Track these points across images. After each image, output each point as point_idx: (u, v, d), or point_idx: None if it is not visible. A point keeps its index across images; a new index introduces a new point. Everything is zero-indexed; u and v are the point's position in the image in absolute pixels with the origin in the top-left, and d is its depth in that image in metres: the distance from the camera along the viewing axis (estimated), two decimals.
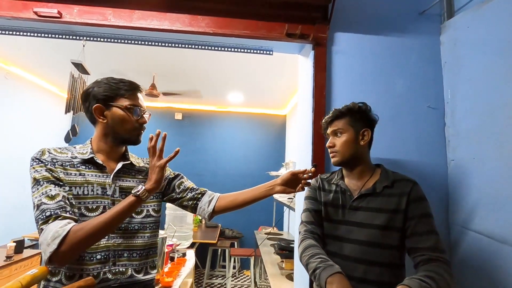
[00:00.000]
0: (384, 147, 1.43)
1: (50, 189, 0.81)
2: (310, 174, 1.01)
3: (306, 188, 1.12)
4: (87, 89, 0.95)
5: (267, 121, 5.10)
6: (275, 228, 4.33)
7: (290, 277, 2.05)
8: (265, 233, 3.64)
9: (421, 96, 1.51)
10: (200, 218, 0.99)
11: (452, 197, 1.40)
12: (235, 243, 4.30)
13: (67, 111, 1.70)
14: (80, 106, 1.75)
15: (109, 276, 0.86)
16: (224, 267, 4.37)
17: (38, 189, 0.81)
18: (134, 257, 0.92)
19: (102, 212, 0.87)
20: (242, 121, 5.10)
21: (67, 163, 0.88)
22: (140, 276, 0.93)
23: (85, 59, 1.92)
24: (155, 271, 1.00)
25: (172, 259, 1.93)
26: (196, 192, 1.09)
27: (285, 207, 4.50)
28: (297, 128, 1.79)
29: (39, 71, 3.60)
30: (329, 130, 1.08)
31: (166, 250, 1.73)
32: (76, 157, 0.91)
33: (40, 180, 0.82)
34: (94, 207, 0.87)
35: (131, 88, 0.95)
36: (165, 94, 3.77)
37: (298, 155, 1.64)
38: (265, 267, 2.33)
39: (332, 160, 1.07)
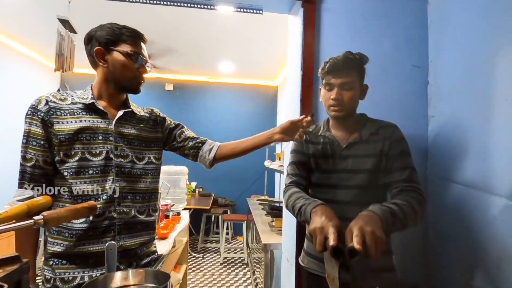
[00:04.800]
0: (368, 104, 1.48)
1: (30, 151, 0.88)
2: (308, 121, 1.03)
3: (291, 142, 1.17)
4: (90, 32, 0.96)
5: (258, 92, 5.09)
6: (266, 196, 4.48)
7: (279, 233, 2.18)
8: (257, 200, 3.78)
9: (406, 55, 1.55)
10: (201, 165, 1.06)
11: (431, 151, 1.49)
12: (228, 210, 4.46)
13: (56, 69, 1.69)
14: (69, 64, 1.74)
15: (114, 215, 0.92)
16: (217, 233, 4.55)
17: (23, 142, 0.89)
18: (137, 199, 0.98)
19: (105, 157, 0.92)
20: (234, 93, 5.08)
21: (67, 111, 0.91)
22: (143, 217, 0.99)
23: (71, 19, 1.87)
24: (156, 213, 1.08)
25: (167, 216, 2.02)
26: (197, 141, 1.14)
27: (276, 175, 4.63)
28: (287, 87, 1.82)
29: (24, 39, 3.48)
30: (335, 81, 1.00)
31: (161, 208, 1.81)
32: (76, 103, 0.94)
33: (26, 135, 0.89)
34: (98, 152, 0.92)
35: (134, 35, 0.96)
36: (155, 67, 3.70)
37: (288, 112, 1.69)
38: (257, 228, 2.46)
39: (334, 113, 1.03)
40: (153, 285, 0.64)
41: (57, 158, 0.89)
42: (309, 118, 1.02)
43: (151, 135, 1.06)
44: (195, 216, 4.12)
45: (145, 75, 1.02)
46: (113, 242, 0.71)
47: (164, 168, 2.73)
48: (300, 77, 1.44)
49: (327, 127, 1.12)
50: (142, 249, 1.00)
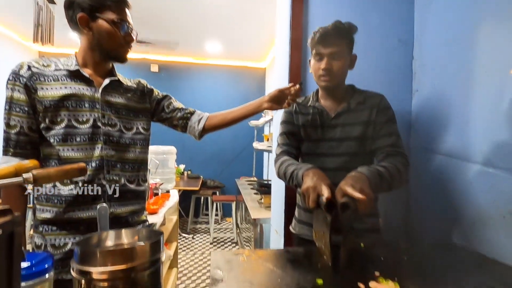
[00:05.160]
0: (354, 78, 1.51)
1: (13, 117, 0.86)
2: (296, 89, 1.04)
3: (282, 112, 1.19)
4: None
5: (247, 74, 5.04)
6: (255, 178, 4.53)
7: (268, 209, 2.24)
8: (246, 181, 3.83)
9: (393, 30, 1.57)
10: (191, 135, 1.05)
11: (414, 124, 1.54)
12: (217, 192, 4.49)
13: (35, 41, 1.61)
14: (48, 36, 1.66)
15: (104, 182, 0.92)
16: (207, 215, 4.60)
17: (6, 109, 0.87)
18: (126, 168, 0.98)
19: (92, 125, 0.91)
20: (222, 74, 5.01)
21: (51, 77, 0.89)
22: (133, 186, 1.00)
23: None
24: (146, 184, 1.08)
25: (156, 194, 2.03)
26: (186, 111, 1.14)
27: (264, 157, 4.68)
28: (275, 66, 1.82)
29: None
30: (325, 50, 1.00)
31: (150, 185, 1.81)
32: (60, 69, 0.91)
33: (9, 101, 0.86)
34: (84, 119, 0.91)
35: (118, 1, 0.92)
36: (139, 42, 3.59)
37: (276, 82, 1.70)
38: (246, 206, 2.51)
39: (324, 83, 1.04)
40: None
41: (42, 125, 0.87)
42: (297, 86, 1.03)
43: (139, 105, 1.06)
44: (184, 198, 4.13)
45: (127, 56, 0.99)
46: (104, 204, 0.71)
47: (152, 148, 2.71)
48: (288, 47, 1.44)
49: (316, 98, 1.14)
50: (133, 218, 1.01)
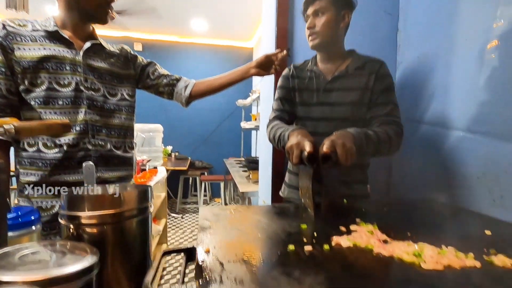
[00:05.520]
0: None
1: None
2: (283, 55, 1.04)
3: (280, 78, 1.17)
4: None
5: (233, 53, 4.96)
6: (243, 158, 4.56)
7: (256, 183, 2.27)
8: (234, 160, 3.85)
9: (379, 1, 1.57)
10: (177, 102, 1.04)
11: (399, 95, 1.57)
12: (205, 173, 4.51)
13: (7, 6, 1.51)
14: (22, 2, 1.55)
15: (89, 146, 0.91)
16: (195, 195, 4.63)
17: None
18: (112, 134, 0.97)
19: (74, 89, 0.89)
20: (208, 54, 4.91)
21: (28, 37, 0.85)
22: (120, 152, 1.00)
23: None
24: (133, 151, 1.08)
25: (143, 170, 2.02)
26: (171, 78, 1.12)
27: (252, 136, 4.69)
28: (262, 46, 1.80)
29: None
30: (309, 11, 1.03)
31: (136, 161, 1.80)
32: (38, 30, 0.87)
33: None
34: (66, 82, 0.88)
35: None
36: (119, 13, 3.42)
37: (263, 52, 1.69)
38: (235, 182, 2.54)
39: (311, 43, 1.04)
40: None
41: (21, 87, 0.84)
42: (284, 52, 1.03)
43: (123, 71, 1.03)
44: (173, 179, 4.13)
45: (110, 34, 0.95)
46: (91, 162, 0.71)
47: (138, 126, 2.67)
48: (275, 12, 1.42)
49: (314, 62, 1.12)
50: (121, 183, 1.01)
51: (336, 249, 0.51)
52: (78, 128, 0.89)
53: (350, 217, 0.66)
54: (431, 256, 0.47)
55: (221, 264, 0.44)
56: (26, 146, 0.87)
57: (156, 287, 0.38)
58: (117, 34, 4.42)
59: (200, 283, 0.38)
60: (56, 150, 0.87)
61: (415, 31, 1.47)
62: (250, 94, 3.67)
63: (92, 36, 0.98)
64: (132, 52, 1.10)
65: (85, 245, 0.48)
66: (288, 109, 1.13)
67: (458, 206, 0.91)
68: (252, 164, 2.45)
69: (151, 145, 2.53)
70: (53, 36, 0.88)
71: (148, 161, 2.16)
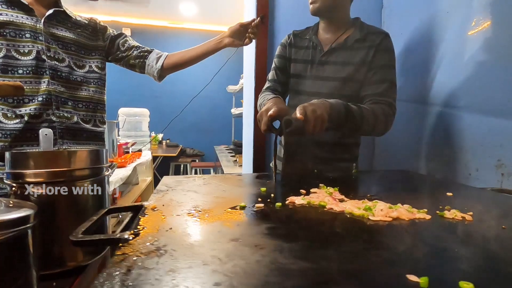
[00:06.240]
0: None
1: None
2: (256, 24, 0.99)
3: (278, 46, 1.10)
4: None
5: None
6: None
7: (241, 166, 2.27)
8: (224, 147, 3.83)
9: None
10: (150, 76, 1.00)
11: None
12: (197, 160, 4.49)
13: None
14: None
15: (53, 118, 0.88)
16: None
17: None
18: (79, 107, 0.95)
19: (35, 57, 0.85)
20: (198, 40, 4.69)
21: None
22: (89, 126, 0.97)
23: None
24: (104, 126, 1.05)
25: (126, 152, 1.99)
26: (142, 49, 1.09)
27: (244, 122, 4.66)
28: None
29: None
30: None
31: (118, 142, 1.77)
32: None
33: None
34: (26, 51, 0.85)
35: None
36: None
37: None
38: (222, 168, 2.52)
39: (311, 7, 0.96)
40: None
41: None
42: (258, 19, 0.99)
43: (91, 43, 1.00)
44: (163, 166, 4.11)
45: (96, 17, 0.91)
46: (49, 129, 0.68)
47: (123, 110, 2.63)
48: None
49: (315, 30, 1.04)
50: None
51: (289, 207, 0.50)
52: (40, 99, 0.86)
53: (315, 183, 0.65)
54: (381, 210, 0.46)
55: (163, 216, 0.43)
56: None
57: (86, 237, 0.37)
58: (105, 19, 4.30)
59: (134, 231, 0.37)
60: (17, 120, 0.84)
61: (398, 7, 1.44)
62: (240, 79, 3.61)
63: (56, 4, 0.93)
64: (101, 23, 1.06)
65: (25, 202, 0.46)
66: (283, 80, 1.07)
67: (432, 175, 0.90)
68: (238, 148, 2.44)
69: (137, 130, 2.50)
70: (11, 2, 0.84)
71: (133, 144, 2.13)
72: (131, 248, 0.32)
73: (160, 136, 4.50)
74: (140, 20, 4.51)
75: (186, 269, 0.27)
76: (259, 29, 1.02)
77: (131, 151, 2.02)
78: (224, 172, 2.13)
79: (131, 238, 0.35)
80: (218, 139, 4.82)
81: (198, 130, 4.83)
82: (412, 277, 0.27)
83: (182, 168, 4.63)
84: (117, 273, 0.26)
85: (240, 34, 1.03)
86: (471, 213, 0.47)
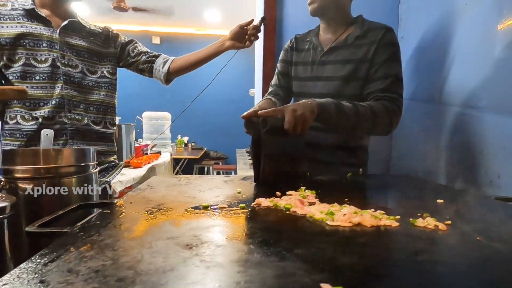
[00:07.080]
0: None
1: None
2: (257, 25, 1.00)
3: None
4: None
5: None
6: None
7: None
8: (246, 150, 3.85)
9: None
10: (157, 80, 1.05)
11: None
12: (220, 163, 4.57)
13: None
14: None
15: (65, 120, 0.96)
16: None
17: None
18: (91, 110, 1.02)
19: (51, 64, 0.93)
20: None
21: (7, 16, 0.91)
22: (99, 128, 1.04)
23: None
24: (114, 127, 1.11)
25: (145, 154, 2.09)
26: (150, 55, 1.14)
27: None
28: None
29: None
30: None
31: (137, 144, 1.86)
32: (16, 9, 0.93)
33: None
34: (43, 59, 0.93)
35: None
36: (135, 9, 3.55)
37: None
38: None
39: (310, 7, 0.94)
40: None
41: (1, 63, 0.90)
42: (258, 21, 1.00)
43: (103, 50, 1.07)
44: (188, 168, 4.24)
45: (128, 28, 0.97)
46: (50, 129, 0.74)
47: (146, 114, 2.77)
48: None
49: (316, 32, 1.04)
50: (100, 157, 1.05)
51: (252, 208, 0.49)
52: (53, 102, 0.94)
53: (294, 185, 0.63)
54: (343, 215, 0.43)
55: (123, 213, 0.45)
56: (8, 119, 0.93)
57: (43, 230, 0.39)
58: (136, 28, 4.58)
59: (85, 225, 0.39)
60: (33, 122, 0.92)
61: (416, 1, 1.37)
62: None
63: (72, 15, 1.01)
64: (114, 31, 1.13)
65: (8, 196, 0.50)
66: (285, 84, 1.07)
67: (434, 181, 0.83)
68: None
69: (159, 132, 2.61)
70: (30, 14, 0.93)
71: (153, 146, 2.23)
72: (70, 240, 0.34)
73: (185, 139, 4.65)
74: (168, 28, 4.73)
75: (103, 264, 0.28)
76: (259, 31, 1.02)
77: (150, 153, 2.11)
78: (238, 174, 2.14)
79: (77, 231, 0.36)
80: (241, 142, 4.86)
81: (222, 133, 4.92)
82: (326, 286, 0.25)
83: (205, 170, 4.75)
84: (39, 261, 0.28)
85: (241, 36, 1.04)
86: (449, 222, 0.43)
